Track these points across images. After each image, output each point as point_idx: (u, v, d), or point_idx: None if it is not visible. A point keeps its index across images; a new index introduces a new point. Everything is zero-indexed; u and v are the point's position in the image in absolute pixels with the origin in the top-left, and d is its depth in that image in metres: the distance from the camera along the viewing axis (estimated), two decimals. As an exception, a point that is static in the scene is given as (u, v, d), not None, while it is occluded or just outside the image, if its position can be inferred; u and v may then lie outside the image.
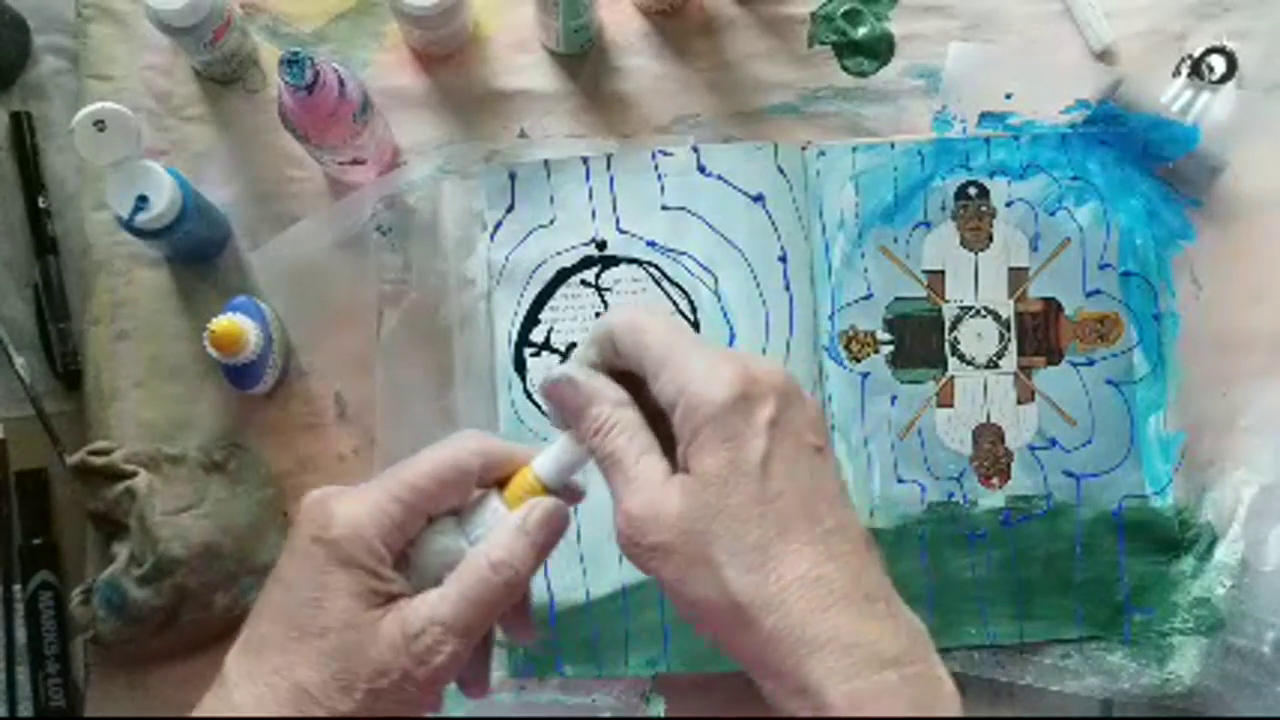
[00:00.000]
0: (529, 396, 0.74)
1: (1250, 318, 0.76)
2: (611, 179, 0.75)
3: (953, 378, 0.75)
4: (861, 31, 0.78)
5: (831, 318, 0.75)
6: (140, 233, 0.68)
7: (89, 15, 0.77)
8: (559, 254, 0.75)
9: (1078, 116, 0.77)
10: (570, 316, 0.74)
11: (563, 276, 0.75)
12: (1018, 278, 0.76)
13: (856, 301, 0.75)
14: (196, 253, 0.75)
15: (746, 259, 0.75)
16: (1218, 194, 0.77)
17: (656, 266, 0.75)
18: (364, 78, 0.74)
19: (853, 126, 0.77)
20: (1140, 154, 0.76)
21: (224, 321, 0.67)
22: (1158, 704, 0.72)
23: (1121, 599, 0.73)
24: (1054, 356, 0.75)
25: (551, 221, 0.75)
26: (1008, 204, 0.76)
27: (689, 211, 0.75)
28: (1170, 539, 0.74)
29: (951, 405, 0.75)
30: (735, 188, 0.75)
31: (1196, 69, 0.77)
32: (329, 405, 0.75)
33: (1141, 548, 0.74)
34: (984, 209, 0.76)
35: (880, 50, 0.78)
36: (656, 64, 0.78)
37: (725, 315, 0.74)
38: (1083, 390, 0.75)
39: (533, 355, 0.74)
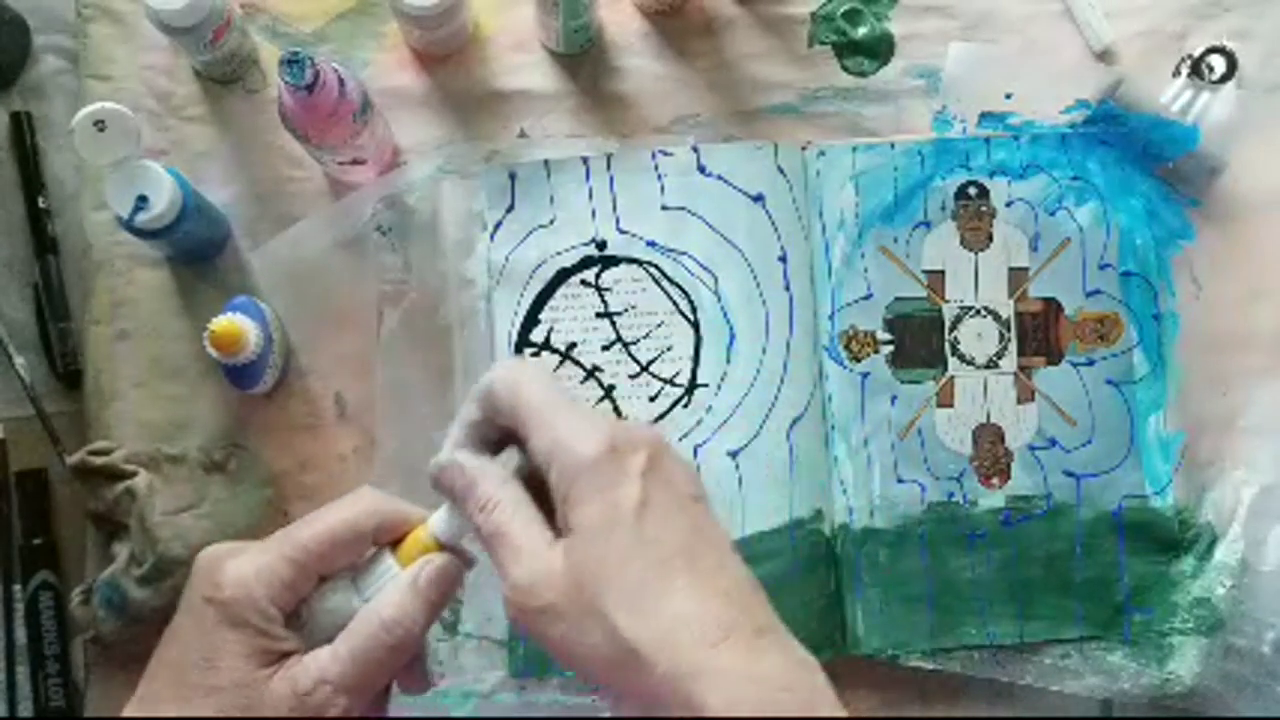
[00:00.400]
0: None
1: (1250, 318, 0.76)
2: (611, 179, 0.75)
3: (953, 378, 0.75)
4: (861, 31, 0.78)
5: (831, 318, 0.75)
6: (140, 233, 0.68)
7: (89, 15, 0.77)
8: (559, 254, 0.75)
9: (1078, 116, 0.77)
10: (570, 316, 0.74)
11: (563, 276, 0.75)
12: (1018, 278, 0.76)
13: (856, 301, 0.75)
14: (196, 253, 0.75)
15: (746, 259, 0.75)
16: (1217, 194, 0.77)
17: (656, 266, 0.75)
18: (364, 78, 0.74)
19: (853, 126, 0.77)
20: (1140, 154, 0.76)
21: (224, 321, 0.67)
22: (1158, 704, 0.73)
23: (1121, 599, 0.73)
24: (1054, 356, 0.75)
25: (551, 221, 0.75)
26: (1008, 204, 0.76)
27: (689, 211, 0.75)
28: (1170, 539, 0.74)
29: (951, 405, 0.75)
30: (735, 188, 0.75)
31: (1196, 69, 0.77)
32: (329, 405, 0.75)
33: (1141, 548, 0.74)
34: (984, 209, 0.76)
35: (880, 50, 0.78)
36: (656, 64, 0.78)
37: (725, 315, 0.74)
38: (1083, 390, 0.75)
39: (533, 355, 0.74)
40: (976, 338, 0.75)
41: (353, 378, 0.75)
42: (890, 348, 0.75)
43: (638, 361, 0.74)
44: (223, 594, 0.47)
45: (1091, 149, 0.76)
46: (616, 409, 0.74)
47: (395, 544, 0.50)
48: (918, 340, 0.75)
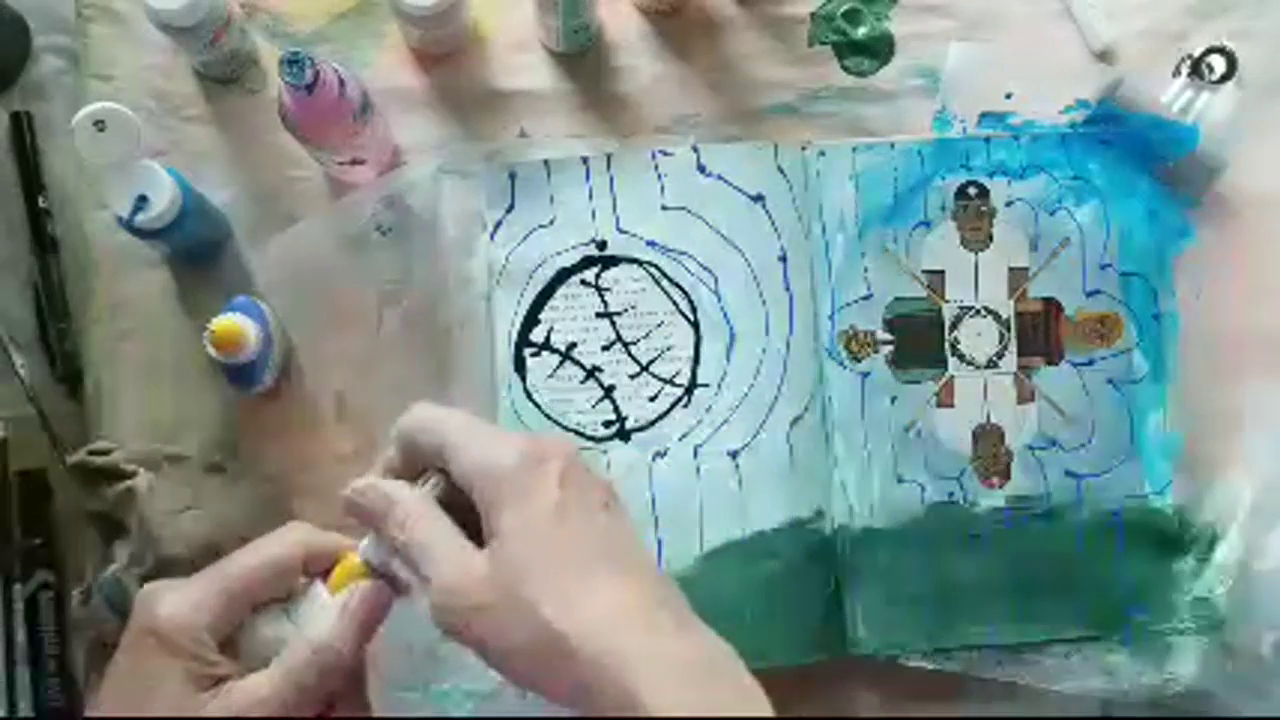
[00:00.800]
0: (529, 396, 0.74)
1: (1250, 318, 0.76)
2: (611, 179, 0.75)
3: (953, 378, 0.75)
4: (861, 31, 0.78)
5: (831, 318, 0.75)
6: (140, 233, 0.68)
7: (89, 15, 0.77)
8: (559, 254, 0.75)
9: (1078, 116, 0.77)
10: (570, 316, 0.74)
11: (563, 276, 0.75)
12: (1018, 278, 0.76)
13: (856, 301, 0.75)
14: (196, 253, 0.75)
15: (746, 259, 0.75)
16: (1218, 194, 0.77)
17: (656, 266, 0.75)
18: (364, 78, 0.73)
19: (853, 126, 0.77)
20: (1140, 154, 0.76)
21: (224, 321, 0.67)
22: (1158, 704, 0.72)
23: (1121, 599, 0.73)
24: (1054, 356, 0.75)
25: (551, 221, 0.75)
26: (1008, 204, 0.76)
27: (689, 211, 0.75)
28: (1170, 539, 0.74)
29: (951, 405, 0.75)
30: (735, 188, 0.75)
31: (1196, 69, 0.77)
32: (329, 405, 0.75)
33: (1141, 548, 0.74)
34: (984, 209, 0.76)
35: (880, 50, 0.78)
36: (656, 64, 0.78)
37: (725, 315, 0.74)
38: (1083, 390, 0.75)
39: (533, 355, 0.74)
40: (976, 338, 0.75)
41: (353, 378, 0.75)
42: (890, 348, 0.75)
43: (638, 361, 0.74)
44: (159, 623, 0.50)
45: (1091, 149, 0.76)
46: (616, 409, 0.74)
47: (327, 574, 0.53)
48: (918, 340, 0.75)
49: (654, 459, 0.73)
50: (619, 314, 0.75)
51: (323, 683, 0.50)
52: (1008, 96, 0.77)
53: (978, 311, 0.75)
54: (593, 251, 0.75)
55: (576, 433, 0.73)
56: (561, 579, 0.46)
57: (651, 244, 0.75)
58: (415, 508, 0.50)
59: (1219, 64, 0.77)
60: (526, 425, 0.73)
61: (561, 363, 0.74)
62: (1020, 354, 0.75)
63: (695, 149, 0.75)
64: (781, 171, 0.75)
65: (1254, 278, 0.76)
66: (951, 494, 0.74)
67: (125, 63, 0.77)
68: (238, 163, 0.77)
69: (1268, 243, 0.76)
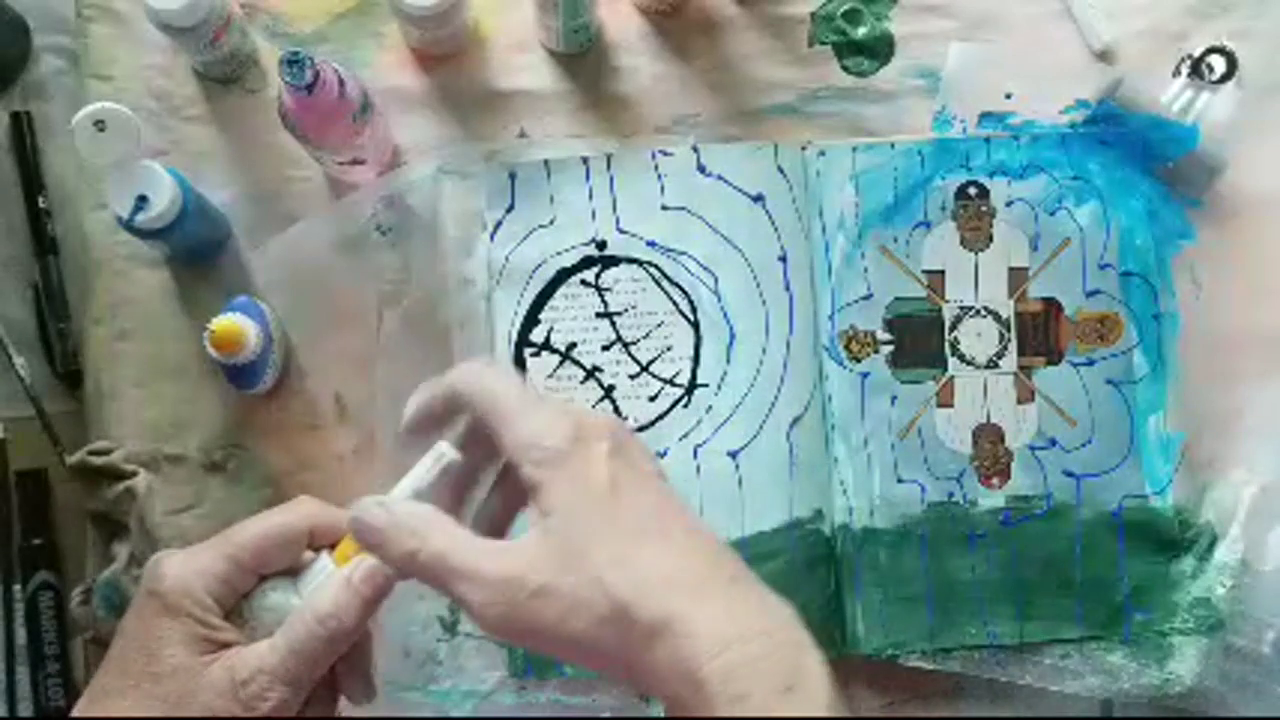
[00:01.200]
0: (529, 396, 0.74)
1: (1250, 318, 0.76)
2: (611, 179, 0.75)
3: (953, 378, 0.75)
4: (861, 31, 0.78)
5: (831, 318, 0.75)
6: (140, 233, 0.68)
7: (89, 15, 0.77)
8: (559, 254, 0.75)
9: (1078, 116, 0.77)
10: (570, 316, 0.74)
11: (563, 276, 0.75)
12: (1018, 278, 0.76)
13: (856, 301, 0.75)
14: (196, 253, 0.75)
15: (746, 259, 0.75)
16: (1218, 194, 0.77)
17: (656, 266, 0.75)
18: (364, 78, 0.73)
19: (853, 126, 0.77)
20: (1140, 154, 0.76)
21: (224, 321, 0.67)
22: (1158, 704, 0.73)
23: (1121, 599, 0.73)
24: (1054, 356, 0.75)
25: (551, 221, 0.75)
26: (1008, 204, 0.76)
27: (689, 211, 0.75)
28: (1170, 539, 0.74)
29: (951, 405, 0.75)
30: (735, 188, 0.75)
31: (1196, 69, 0.77)
32: (329, 405, 0.75)
33: (1141, 548, 0.74)
34: (984, 209, 0.76)
35: (880, 50, 0.78)
36: (656, 64, 0.78)
37: (725, 315, 0.74)
38: (1083, 390, 0.75)
39: (533, 355, 0.74)
40: (976, 338, 0.75)
41: (353, 378, 0.75)
42: (890, 348, 0.75)
43: (638, 361, 0.74)
44: (163, 585, 0.51)
45: (1091, 149, 0.76)
46: (616, 409, 0.74)
47: (333, 548, 0.53)
48: (918, 340, 0.75)
49: (654, 459, 0.73)
50: (619, 314, 0.75)
51: (325, 653, 0.50)
52: (1008, 96, 0.77)
53: (978, 311, 0.75)
54: (593, 251, 0.75)
55: (576, 433, 0.73)
56: (620, 550, 0.46)
57: (651, 244, 0.75)
58: (422, 514, 0.48)
59: (1219, 64, 0.77)
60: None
61: (561, 363, 0.74)
62: (1020, 354, 0.75)
63: (695, 149, 0.75)
64: (781, 171, 0.75)
65: (1254, 278, 0.76)
66: (951, 494, 0.74)
67: (125, 63, 0.77)
68: (238, 163, 0.77)
69: (1268, 243, 0.76)
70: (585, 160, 0.75)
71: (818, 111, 0.78)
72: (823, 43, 0.78)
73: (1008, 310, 0.75)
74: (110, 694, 0.50)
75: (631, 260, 0.75)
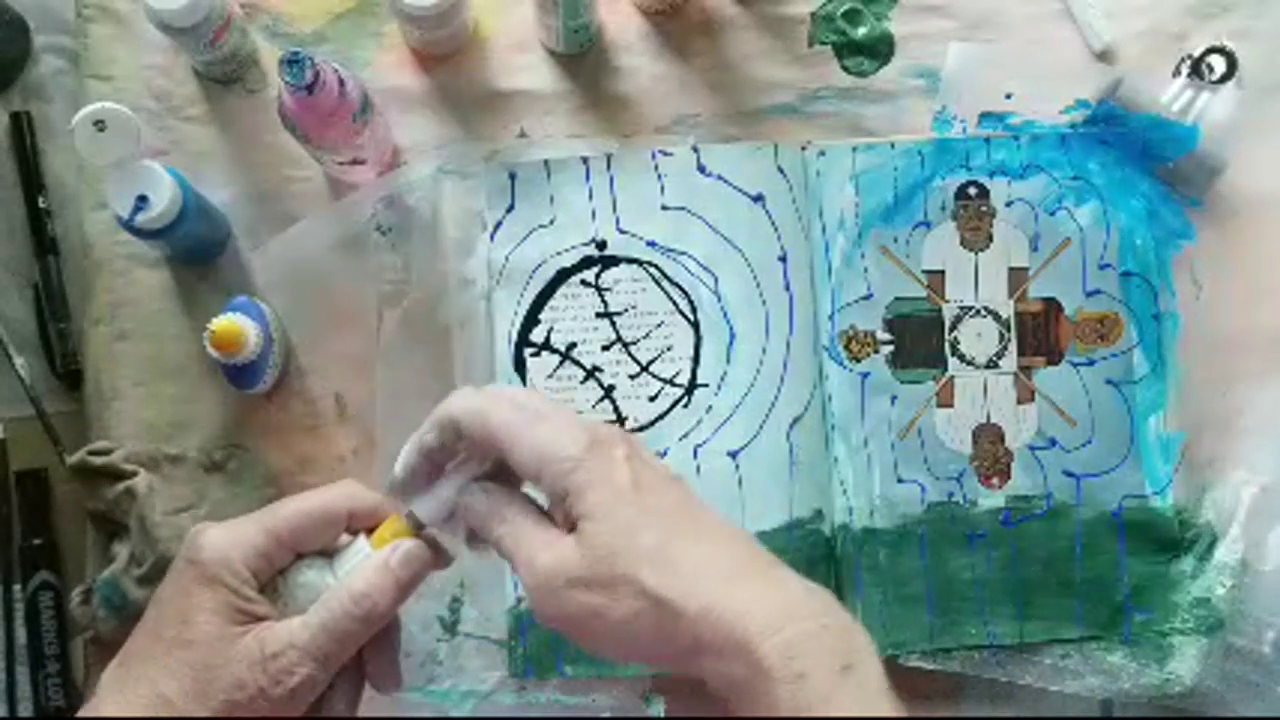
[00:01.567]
0: (529, 396, 0.74)
1: (1250, 318, 0.76)
2: (611, 179, 0.75)
3: (953, 378, 0.75)
4: (861, 31, 0.78)
5: (831, 318, 0.75)
6: (140, 233, 0.68)
7: (89, 15, 0.77)
8: (559, 254, 0.75)
9: (1078, 116, 0.77)
10: (570, 316, 0.74)
11: (563, 276, 0.75)
12: (1018, 278, 0.76)
13: (856, 301, 0.75)
14: (196, 253, 0.75)
15: (746, 259, 0.75)
16: (1218, 194, 0.77)
17: (656, 266, 0.75)
18: (364, 78, 0.74)
19: (853, 126, 0.77)
20: (1140, 154, 0.76)
21: (224, 321, 0.67)
22: (1158, 704, 0.72)
23: (1121, 599, 0.73)
24: (1054, 356, 0.75)
25: (551, 221, 0.75)
26: (1008, 204, 0.76)
27: (689, 211, 0.75)
28: (1170, 539, 0.74)
29: (951, 405, 0.75)
30: (735, 188, 0.75)
31: (1196, 69, 0.77)
32: (329, 405, 0.75)
33: (1141, 548, 0.74)
34: (984, 209, 0.76)
35: (880, 50, 0.78)
36: (656, 64, 0.78)
37: (725, 315, 0.74)
38: (1083, 390, 0.75)
39: (533, 355, 0.74)
40: (976, 338, 0.75)
41: (353, 378, 0.75)
42: (890, 348, 0.75)
43: (638, 361, 0.74)
44: (201, 555, 0.51)
45: (1091, 149, 0.76)
46: (616, 409, 0.74)
47: (371, 531, 0.54)
48: (918, 340, 0.75)
49: (654, 459, 0.73)
50: (619, 314, 0.75)
51: (356, 633, 0.51)
52: (1008, 96, 0.77)
53: (978, 311, 0.75)
54: (593, 251, 0.75)
55: (576, 433, 0.73)
56: (652, 548, 0.47)
57: (651, 244, 0.75)
58: (505, 498, 0.51)
59: (1219, 64, 0.77)
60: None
61: (561, 363, 0.74)
62: (1020, 354, 0.75)
63: (695, 149, 0.75)
64: (781, 171, 0.75)
65: (1254, 278, 0.76)
66: (951, 494, 0.74)
67: (125, 63, 0.77)
68: (238, 163, 0.77)
69: (1268, 243, 0.76)
70: (585, 160, 0.75)
71: (818, 111, 0.78)
72: (823, 43, 0.78)
73: (1008, 310, 0.75)
74: (139, 657, 0.51)
75: (631, 260, 0.75)
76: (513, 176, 0.75)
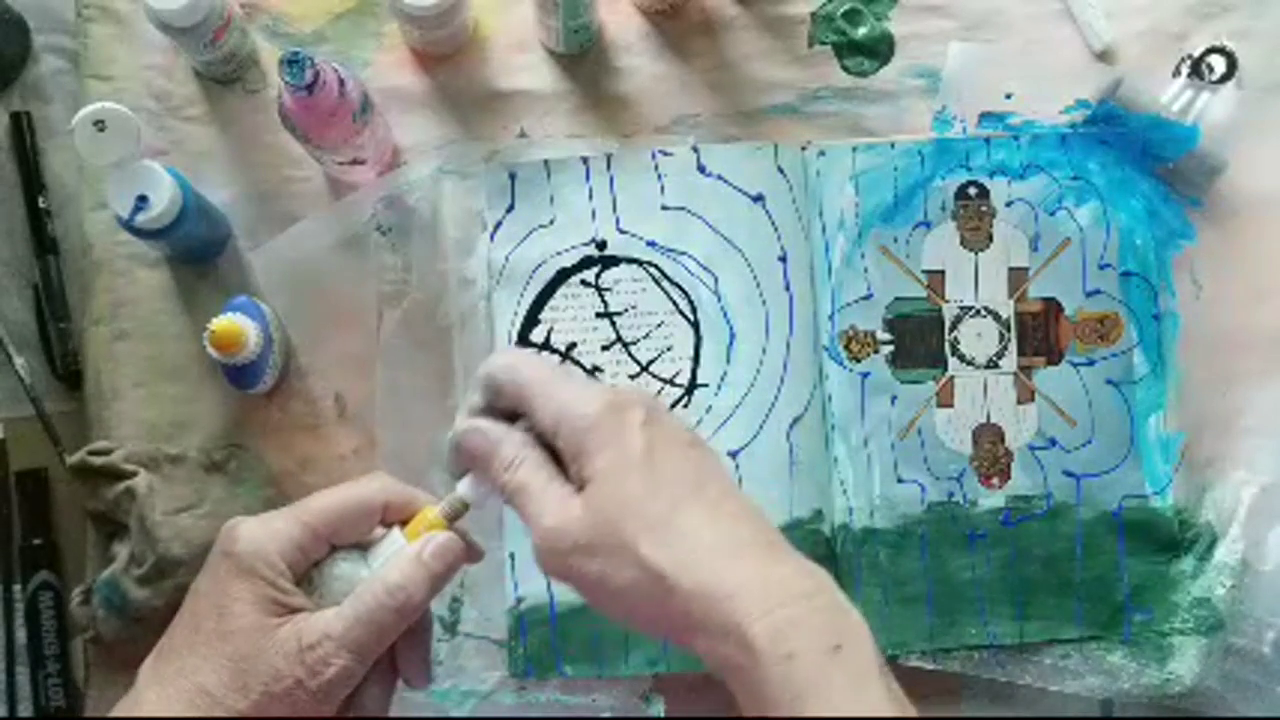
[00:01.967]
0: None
1: (1250, 318, 0.76)
2: (611, 179, 0.75)
3: (953, 378, 0.75)
4: (861, 31, 0.78)
5: (831, 318, 0.75)
6: (140, 233, 0.68)
7: (89, 15, 0.77)
8: (559, 254, 0.75)
9: (1078, 116, 0.77)
10: (570, 317, 0.74)
11: (563, 276, 0.75)
12: (1018, 278, 0.76)
13: (856, 301, 0.75)
14: (196, 253, 0.75)
15: (746, 259, 0.75)
16: (1218, 194, 0.77)
17: (657, 266, 0.75)
18: (364, 78, 0.74)
19: (853, 126, 0.77)
20: (1140, 154, 0.76)
21: (224, 321, 0.67)
22: (1158, 704, 0.73)
23: (1121, 599, 0.73)
24: (1054, 356, 0.75)
25: (551, 221, 0.75)
26: (1008, 204, 0.76)
27: (689, 211, 0.75)
28: (1170, 539, 0.74)
29: (951, 405, 0.75)
30: (735, 188, 0.75)
31: (1196, 69, 0.77)
32: (329, 405, 0.75)
33: (1141, 548, 0.74)
34: (984, 209, 0.76)
35: (880, 50, 0.78)
36: (656, 64, 0.78)
37: (725, 315, 0.74)
38: (1083, 390, 0.75)
39: (533, 355, 0.74)
40: (976, 338, 0.75)
41: (353, 378, 0.75)
42: (890, 348, 0.75)
43: (638, 361, 0.74)
44: (237, 547, 0.51)
45: (1091, 149, 0.76)
46: (616, 409, 0.74)
47: (404, 524, 0.54)
48: (918, 340, 0.75)
49: (654, 459, 0.73)
50: (619, 314, 0.75)
51: (391, 625, 0.51)
52: (1008, 96, 0.77)
53: (978, 311, 0.75)
54: (593, 251, 0.75)
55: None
56: (654, 519, 0.47)
57: (651, 244, 0.75)
58: (519, 453, 0.51)
59: (1219, 64, 0.77)
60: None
61: (561, 363, 0.74)
62: (1020, 354, 0.75)
63: (695, 149, 0.75)
64: (781, 171, 0.75)
65: (1254, 278, 0.76)
66: (951, 494, 0.74)
67: (125, 63, 0.77)
68: (238, 163, 0.77)
69: (1268, 243, 0.76)
70: (585, 160, 0.75)
71: (818, 111, 0.78)
72: (823, 43, 0.78)
73: (1008, 310, 0.75)
74: (177, 649, 0.51)
75: (631, 260, 0.75)
76: (513, 176, 0.75)
